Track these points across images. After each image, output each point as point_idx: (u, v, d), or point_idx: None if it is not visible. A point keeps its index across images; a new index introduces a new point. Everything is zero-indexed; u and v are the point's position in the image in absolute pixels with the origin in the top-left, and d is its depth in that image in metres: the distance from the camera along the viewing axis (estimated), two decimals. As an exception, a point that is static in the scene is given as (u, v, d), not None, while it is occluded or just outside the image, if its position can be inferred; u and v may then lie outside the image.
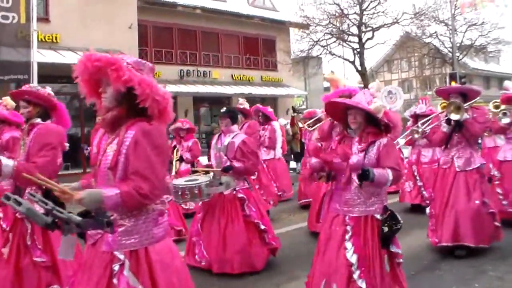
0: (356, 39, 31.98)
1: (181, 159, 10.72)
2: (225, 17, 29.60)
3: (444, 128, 7.24)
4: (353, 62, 32.20)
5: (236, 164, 6.90)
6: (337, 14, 31.29)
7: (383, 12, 31.25)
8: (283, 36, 33.23)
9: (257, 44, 32.48)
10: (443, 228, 7.13)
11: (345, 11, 31.38)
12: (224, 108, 7.53)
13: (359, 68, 31.92)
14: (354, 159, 4.60)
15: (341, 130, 5.26)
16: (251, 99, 28.76)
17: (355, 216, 4.76)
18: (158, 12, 26.40)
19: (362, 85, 28.41)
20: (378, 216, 4.72)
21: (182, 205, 9.73)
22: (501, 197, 8.87)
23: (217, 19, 29.37)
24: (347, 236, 4.72)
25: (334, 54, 32.46)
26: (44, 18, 19.40)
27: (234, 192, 6.98)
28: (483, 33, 37.18)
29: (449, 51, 36.66)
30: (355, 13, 31.53)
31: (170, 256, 3.37)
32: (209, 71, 29.41)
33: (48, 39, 19.67)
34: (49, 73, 17.46)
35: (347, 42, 32.19)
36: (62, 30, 20.03)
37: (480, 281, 6.16)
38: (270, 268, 7.07)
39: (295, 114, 19.24)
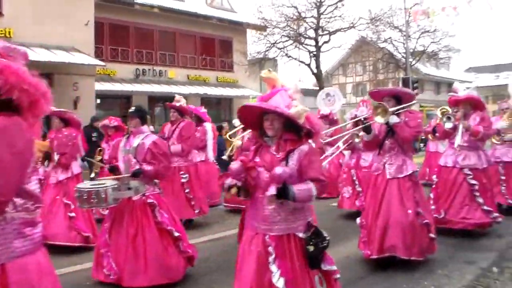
0: (312, 42, 32.20)
1: (102, 161, 10.00)
2: (182, 16, 29.41)
3: (365, 136, 7.06)
4: (309, 65, 32.42)
5: (146, 167, 6.34)
6: (294, 17, 31.49)
7: (340, 16, 31.61)
8: (240, 38, 33.21)
9: (213, 44, 32.38)
10: (375, 240, 6.72)
11: (303, 14, 31.61)
12: (133, 108, 6.91)
13: (315, 71, 32.17)
14: (279, 170, 4.08)
15: (257, 138, 4.67)
16: (207, 100, 28.80)
17: (276, 235, 4.27)
18: (115, 9, 26.03)
19: (318, 88, 28.78)
20: (300, 235, 4.26)
21: (101, 211, 9.25)
22: (431, 201, 8.67)
23: (174, 19, 29.18)
24: (270, 259, 4.21)
25: (290, 56, 32.63)
26: (-3, 13, 18.93)
27: (144, 197, 6.40)
28: (435, 40, 38.48)
29: (403, 57, 37.55)
30: (312, 16, 31.75)
31: (37, 274, 2.84)
32: (165, 71, 29.21)
33: (1, 33, 19.10)
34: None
35: (303, 45, 32.38)
36: (16, 25, 19.41)
37: (429, 279, 6.39)
38: (188, 279, 6.62)
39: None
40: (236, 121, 17.07)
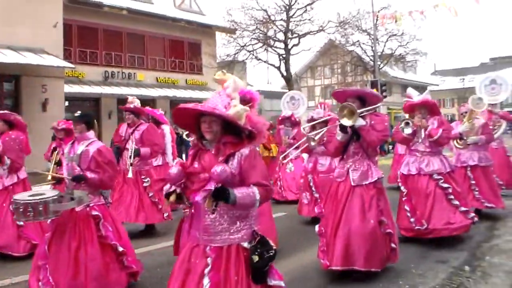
0: (282, 45, 32.38)
1: (59, 163, 9.27)
2: (151, 19, 29.34)
3: (339, 136, 6.51)
4: (278, 68, 32.57)
5: (90, 175, 5.91)
6: (264, 20, 31.62)
7: (309, 19, 32.01)
8: (209, 40, 33.24)
9: (182, 47, 32.34)
10: (334, 250, 6.27)
11: (272, 17, 31.89)
12: (78, 112, 6.52)
13: (285, 73, 32.30)
14: (218, 168, 3.76)
15: (195, 141, 4.32)
16: (176, 102, 28.69)
17: (217, 247, 3.92)
18: (83, 11, 25.84)
19: (287, 90, 28.93)
20: (245, 245, 3.93)
21: None
22: (408, 214, 8.16)
23: (143, 21, 29.09)
24: (206, 271, 3.88)
25: (260, 59, 32.74)
26: (-38, 13, 18.62)
27: (88, 208, 5.94)
28: (402, 44, 38.87)
29: (371, 60, 37.91)
30: (282, 19, 32.04)
31: None
32: (134, 73, 29.11)
33: (-33, 34, 18.77)
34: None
35: (273, 48, 32.52)
36: (-18, 26, 19.14)
37: (404, 278, 6.49)
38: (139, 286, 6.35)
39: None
40: None
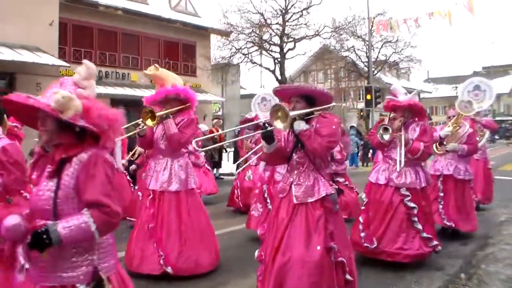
0: (277, 49, 32.36)
1: None
2: (146, 20, 29.24)
3: (264, 147, 5.26)
4: (273, 71, 32.55)
5: None
6: (260, 24, 31.60)
7: (305, 24, 31.92)
8: (204, 42, 33.19)
9: (177, 48, 32.27)
10: (271, 280, 5.06)
11: (268, 21, 31.81)
12: None
13: (279, 77, 32.28)
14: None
15: (39, 147, 3.63)
16: (170, 104, 28.67)
17: (49, 286, 3.07)
18: (79, 10, 25.70)
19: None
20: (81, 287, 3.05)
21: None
22: (360, 226, 7.28)
23: (138, 22, 29.00)
24: None
25: (255, 62, 32.71)
26: (-45, 9, 18.49)
27: None
28: (397, 50, 38.88)
29: (365, 66, 37.95)
30: (278, 23, 31.98)
31: None
32: (128, 74, 29.00)
33: (-37, 32, 18.66)
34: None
35: (268, 52, 32.51)
36: (-21, 24, 19.04)
37: (400, 285, 6.50)
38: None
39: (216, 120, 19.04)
40: (203, 126, 16.31)
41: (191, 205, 7.14)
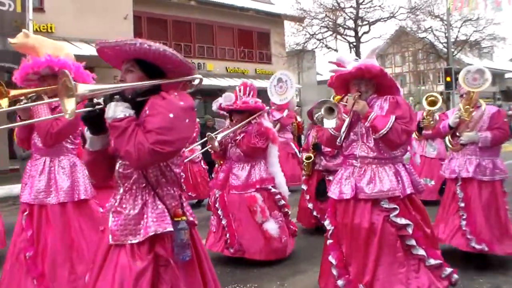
0: (352, 33, 31.90)
1: None
2: (219, 9, 29.33)
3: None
4: (348, 56, 32.07)
5: None
6: (333, 8, 31.20)
7: (379, 6, 31.35)
8: (278, 29, 33.04)
9: (251, 36, 32.25)
10: None
11: (342, 5, 31.37)
12: None
13: (355, 62, 31.76)
14: None
15: None
16: (246, 92, 28.75)
17: None
18: (152, 3, 26.05)
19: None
20: None
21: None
22: (334, 271, 4.77)
23: (212, 11, 29.11)
24: None
25: (330, 47, 32.36)
26: (39, 8, 19.07)
27: None
28: (478, 29, 37.27)
29: (444, 46, 36.66)
30: (351, 6, 31.49)
31: None
32: (204, 63, 29.17)
33: (43, 29, 19.34)
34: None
35: (343, 36, 32.08)
36: (57, 20, 19.69)
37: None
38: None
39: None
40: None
41: (84, 224, 5.05)
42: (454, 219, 6.38)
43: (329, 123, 4.63)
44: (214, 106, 7.26)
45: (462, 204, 6.32)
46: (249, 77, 30.35)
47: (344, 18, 31.91)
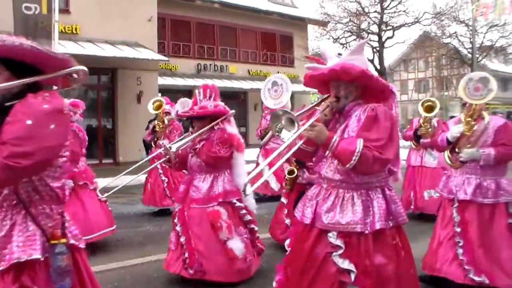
0: (376, 37, 31.77)
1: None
2: (243, 12, 29.37)
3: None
4: (372, 61, 31.96)
5: None
6: (357, 12, 31.14)
7: (404, 11, 31.21)
8: (301, 33, 33.03)
9: (274, 40, 32.23)
10: None
11: (366, 9, 31.36)
12: None
13: (378, 67, 31.65)
14: None
15: None
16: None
17: None
18: (176, 5, 26.20)
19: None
20: None
21: None
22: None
23: (235, 14, 29.17)
24: None
25: (353, 52, 32.26)
26: (64, 10, 19.18)
27: None
28: (504, 34, 36.88)
29: (469, 52, 36.32)
30: (375, 11, 31.45)
31: None
32: (226, 66, 29.23)
33: (68, 30, 19.53)
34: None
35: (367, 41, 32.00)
36: (82, 22, 19.83)
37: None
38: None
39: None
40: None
41: None
42: (449, 246, 5.44)
43: (288, 135, 3.42)
44: (172, 113, 6.77)
45: (459, 229, 5.37)
46: (271, 80, 30.42)
47: (368, 23, 31.91)
